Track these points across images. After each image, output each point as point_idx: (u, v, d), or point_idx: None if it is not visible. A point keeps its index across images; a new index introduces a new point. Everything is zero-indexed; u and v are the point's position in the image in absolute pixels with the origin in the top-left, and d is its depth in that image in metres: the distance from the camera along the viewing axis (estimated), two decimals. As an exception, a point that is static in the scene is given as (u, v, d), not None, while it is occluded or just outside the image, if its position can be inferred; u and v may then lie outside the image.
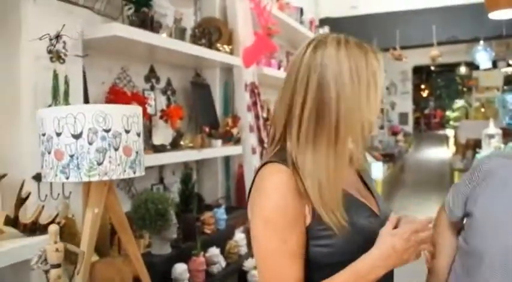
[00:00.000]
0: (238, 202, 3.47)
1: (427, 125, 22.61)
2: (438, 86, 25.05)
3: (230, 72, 3.42)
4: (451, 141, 13.06)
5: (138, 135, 1.59)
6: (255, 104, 3.45)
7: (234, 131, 3.18)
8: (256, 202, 1.10)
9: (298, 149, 1.10)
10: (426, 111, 23.45)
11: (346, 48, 1.12)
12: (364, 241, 1.09)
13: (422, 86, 22.55)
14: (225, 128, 3.17)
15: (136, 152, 1.56)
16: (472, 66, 10.99)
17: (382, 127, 11.15)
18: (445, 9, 6.20)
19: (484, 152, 4.62)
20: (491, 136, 4.80)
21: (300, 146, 1.10)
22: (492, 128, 4.82)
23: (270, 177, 1.09)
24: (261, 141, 3.47)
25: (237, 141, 3.23)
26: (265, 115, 3.63)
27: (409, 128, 13.61)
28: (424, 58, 8.94)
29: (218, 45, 3.13)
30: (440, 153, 14.64)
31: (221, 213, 2.73)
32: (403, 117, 13.52)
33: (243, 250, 2.86)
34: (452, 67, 14.83)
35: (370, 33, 6.52)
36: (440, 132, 19.41)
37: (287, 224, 1.06)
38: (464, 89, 21.83)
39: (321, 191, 1.07)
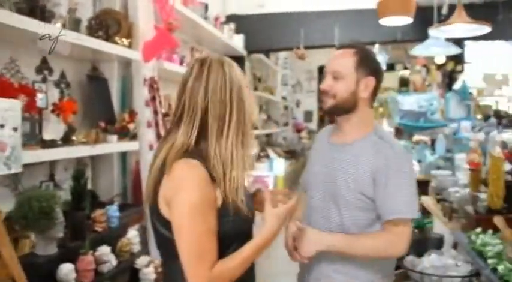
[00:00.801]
0: (134, 199, 3.41)
1: (331, 123, 23.40)
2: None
3: (129, 66, 3.36)
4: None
5: (15, 130, 1.52)
6: (153, 99, 3.41)
7: (131, 126, 3.12)
8: (178, 193, 1.36)
9: (208, 145, 1.42)
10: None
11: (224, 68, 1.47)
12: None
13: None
14: (122, 123, 3.10)
15: (12, 148, 1.49)
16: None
17: (286, 124, 11.41)
18: (347, 12, 6.46)
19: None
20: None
21: (210, 142, 1.42)
22: (385, 127, 5.13)
23: (187, 171, 1.37)
24: (159, 137, 3.43)
25: (134, 136, 3.17)
26: (164, 111, 3.59)
27: (314, 125, 14.03)
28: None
29: (116, 38, 3.05)
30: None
31: (113, 210, 2.67)
32: (307, 115, 13.84)
33: (136, 248, 2.82)
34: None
35: (275, 32, 6.66)
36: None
37: (207, 207, 1.36)
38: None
39: (225, 178, 1.40)
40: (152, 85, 3.43)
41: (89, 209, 2.66)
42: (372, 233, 1.74)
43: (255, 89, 7.64)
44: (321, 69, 15.54)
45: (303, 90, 13.54)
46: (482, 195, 2.64)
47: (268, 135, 9.48)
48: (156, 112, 3.43)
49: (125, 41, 3.09)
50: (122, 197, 3.35)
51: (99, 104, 3.09)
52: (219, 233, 1.39)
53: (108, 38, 2.94)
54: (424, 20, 5.06)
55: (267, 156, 7.50)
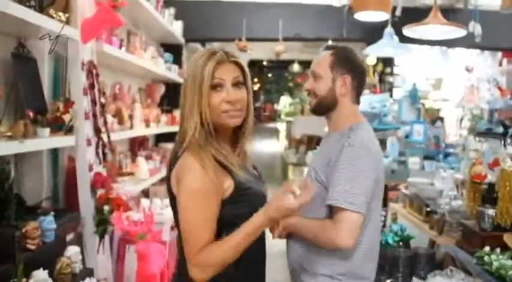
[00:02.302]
0: (68, 204, 2.90)
1: (258, 118, 23.23)
2: (268, 80, 26.14)
3: (63, 45, 2.83)
4: (282, 134, 13.53)
5: None
6: (92, 86, 2.91)
7: (66, 117, 2.62)
8: (184, 180, 1.47)
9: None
10: (257, 105, 24.24)
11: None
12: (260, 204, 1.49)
13: (255, 80, 23.22)
14: (55, 113, 2.59)
15: None
16: (306, 64, 11.44)
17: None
18: (293, 5, 6.21)
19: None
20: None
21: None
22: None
23: (194, 161, 1.46)
24: (97, 131, 2.94)
25: (69, 130, 2.67)
26: (103, 100, 3.10)
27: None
28: (262, 52, 8.96)
29: (51, 11, 2.53)
30: (271, 146, 15.11)
31: (49, 221, 2.16)
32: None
33: (78, 267, 2.33)
34: (285, 64, 15.36)
35: (216, 21, 6.26)
36: (271, 125, 20.15)
37: (208, 194, 1.45)
38: (291, 85, 23.11)
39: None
40: (91, 70, 2.93)
41: (14, 219, 2.16)
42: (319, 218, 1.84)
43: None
44: (251, 64, 15.32)
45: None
46: (490, 211, 2.42)
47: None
48: (94, 102, 2.93)
49: (62, 16, 2.58)
50: (52, 200, 2.84)
51: (27, 90, 2.55)
52: (235, 218, 1.47)
53: (41, 9, 2.43)
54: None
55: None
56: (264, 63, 19.38)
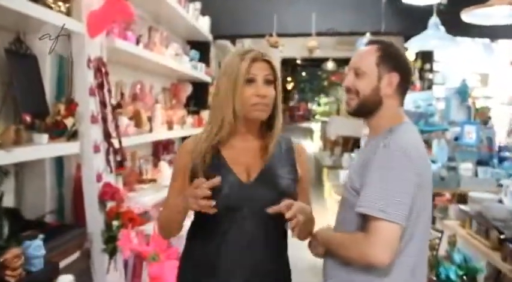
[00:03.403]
0: (75, 217, 2.60)
1: (291, 118, 22.93)
2: (302, 79, 25.65)
3: (67, 41, 2.53)
4: (317, 135, 13.07)
5: None
6: (101, 86, 2.60)
7: (68, 121, 2.30)
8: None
9: None
10: (291, 104, 23.80)
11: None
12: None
13: (289, 79, 22.79)
14: (55, 117, 2.28)
15: None
16: (341, 62, 10.99)
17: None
18: (325, -1, 5.80)
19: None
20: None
21: None
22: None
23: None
24: (107, 136, 2.63)
25: (73, 135, 2.36)
26: (114, 102, 2.79)
27: (282, 121, 13.38)
28: (295, 50, 8.56)
29: (50, 0, 2.23)
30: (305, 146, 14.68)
31: (36, 247, 1.82)
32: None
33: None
34: (318, 62, 14.90)
35: (245, 16, 5.91)
36: (304, 125, 19.68)
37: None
38: (325, 84, 22.58)
39: None
40: (99, 68, 2.62)
41: (7, 237, 1.86)
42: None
43: (220, 80, 6.84)
44: (284, 62, 14.91)
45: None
46: None
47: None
48: (104, 103, 2.62)
49: (62, 6, 2.27)
50: (57, 214, 2.54)
51: (25, 90, 2.26)
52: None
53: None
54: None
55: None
56: (298, 61, 18.93)
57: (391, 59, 1.69)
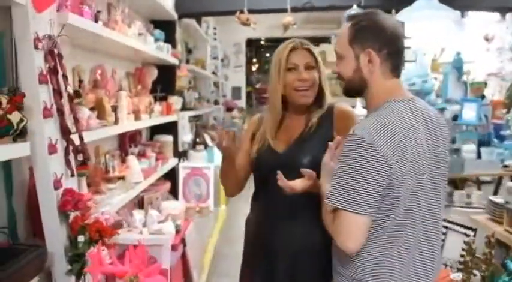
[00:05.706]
0: (31, 235, 2.12)
1: (258, 100, 22.40)
2: (266, 60, 25.17)
3: (7, 15, 2.03)
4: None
5: None
6: (54, 72, 2.11)
7: (14, 117, 1.82)
8: None
9: None
10: (257, 86, 23.29)
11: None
12: None
13: (254, 60, 22.25)
14: (-4, 112, 1.80)
15: None
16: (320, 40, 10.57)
17: (216, 102, 10.21)
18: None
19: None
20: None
21: None
22: (360, 108, 4.10)
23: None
24: (65, 132, 2.15)
25: (21, 134, 1.88)
26: (71, 90, 2.30)
27: (242, 102, 12.98)
28: (259, 31, 8.10)
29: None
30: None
31: None
32: (236, 91, 12.87)
33: None
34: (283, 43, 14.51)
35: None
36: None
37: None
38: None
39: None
40: (51, 49, 2.13)
41: None
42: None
43: (187, 61, 6.35)
44: (249, 42, 14.39)
45: (230, 65, 12.48)
46: None
47: (197, 117, 8.19)
48: (58, 92, 2.13)
49: (-4, -31, 1.77)
50: (8, 233, 2.05)
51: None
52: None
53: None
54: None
55: (204, 144, 6.28)
56: (262, 42, 18.44)
57: (364, 34, 1.61)
